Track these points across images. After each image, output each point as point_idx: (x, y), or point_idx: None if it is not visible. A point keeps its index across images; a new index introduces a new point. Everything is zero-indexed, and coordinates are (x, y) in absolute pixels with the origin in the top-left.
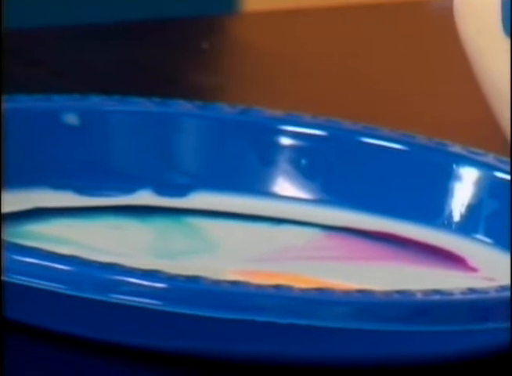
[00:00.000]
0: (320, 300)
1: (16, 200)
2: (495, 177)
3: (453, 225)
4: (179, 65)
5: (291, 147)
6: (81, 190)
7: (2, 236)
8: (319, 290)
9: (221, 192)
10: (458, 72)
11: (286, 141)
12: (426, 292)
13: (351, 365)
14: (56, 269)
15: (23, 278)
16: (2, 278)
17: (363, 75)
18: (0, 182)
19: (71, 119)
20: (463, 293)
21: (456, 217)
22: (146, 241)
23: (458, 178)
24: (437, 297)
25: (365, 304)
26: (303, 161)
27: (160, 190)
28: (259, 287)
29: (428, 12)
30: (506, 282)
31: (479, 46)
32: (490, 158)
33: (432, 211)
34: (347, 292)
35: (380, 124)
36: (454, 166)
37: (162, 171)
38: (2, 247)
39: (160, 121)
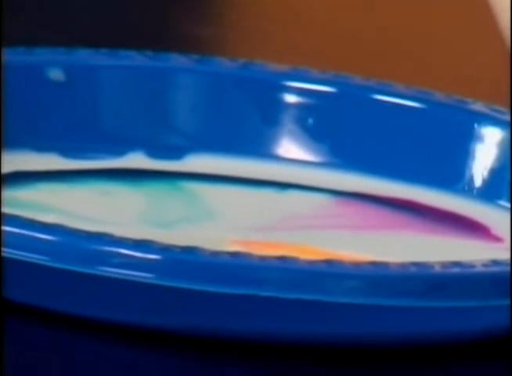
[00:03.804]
0: (329, 273)
1: None
2: None
3: (475, 191)
4: (174, 14)
5: (297, 105)
6: (66, 152)
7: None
8: (328, 262)
9: (221, 154)
10: (479, 23)
11: (291, 98)
12: (445, 264)
13: (363, 344)
14: (39, 239)
15: (2, 249)
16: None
17: (376, 26)
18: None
19: (56, 74)
20: (485, 265)
21: (478, 182)
22: (137, 208)
23: (480, 139)
24: (457, 269)
25: (378, 277)
26: (310, 121)
27: (154, 153)
28: (262, 258)
29: None
30: None
31: None
32: None
33: (452, 175)
34: (358, 264)
35: (394, 79)
36: (475, 126)
37: (155, 132)
38: None
39: (153, 77)
